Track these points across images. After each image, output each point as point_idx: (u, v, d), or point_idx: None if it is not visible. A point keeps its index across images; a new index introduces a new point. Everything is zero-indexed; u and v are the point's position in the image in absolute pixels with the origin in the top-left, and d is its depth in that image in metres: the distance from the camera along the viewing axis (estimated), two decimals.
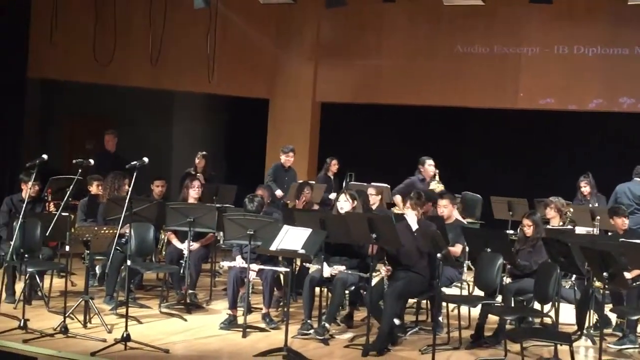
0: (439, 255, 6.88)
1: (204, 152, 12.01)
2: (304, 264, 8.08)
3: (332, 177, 11.93)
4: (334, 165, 12.14)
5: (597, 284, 7.22)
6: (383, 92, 14.09)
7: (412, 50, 14.12)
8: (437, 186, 10.15)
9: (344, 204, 7.86)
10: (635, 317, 7.57)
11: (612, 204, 9.51)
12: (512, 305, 7.51)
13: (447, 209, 8.45)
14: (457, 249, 8.09)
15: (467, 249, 8.22)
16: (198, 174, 11.41)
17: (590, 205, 10.04)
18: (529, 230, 7.95)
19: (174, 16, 13.32)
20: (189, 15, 12.77)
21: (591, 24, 13.19)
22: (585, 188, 10.61)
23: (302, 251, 6.83)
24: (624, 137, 12.55)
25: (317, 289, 7.80)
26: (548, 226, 8.73)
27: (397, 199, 9.64)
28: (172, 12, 13.23)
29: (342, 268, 7.69)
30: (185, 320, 8.17)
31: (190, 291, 8.64)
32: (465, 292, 8.65)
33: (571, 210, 9.69)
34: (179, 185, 10.19)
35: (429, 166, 10.59)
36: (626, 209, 8.90)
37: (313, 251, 6.99)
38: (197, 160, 11.95)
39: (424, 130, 13.94)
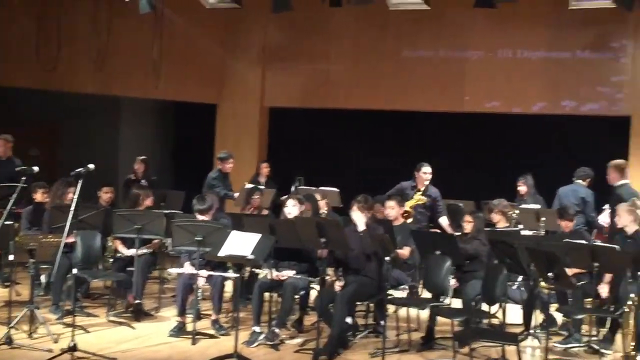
0: (387, 258, 6.94)
1: (144, 157, 11.86)
2: (253, 269, 8.03)
3: (262, 181, 11.70)
4: (264, 169, 12.03)
5: (543, 284, 7.28)
6: (331, 97, 14.12)
7: (360, 55, 14.18)
8: (419, 198, 9.85)
9: (292, 208, 7.87)
10: (580, 317, 7.68)
11: (557, 206, 9.58)
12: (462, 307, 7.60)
13: (394, 211, 8.43)
14: (405, 252, 8.09)
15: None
16: (142, 181, 11.23)
17: (524, 206, 10.10)
18: (468, 227, 8.04)
19: (120, 20, 13.18)
20: (134, 19, 12.59)
21: (534, 28, 13.38)
22: (521, 188, 10.74)
23: (251, 257, 6.79)
24: (566, 139, 12.70)
25: (267, 294, 7.80)
26: (495, 228, 8.78)
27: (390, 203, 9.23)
28: (117, 16, 13.08)
29: (292, 273, 7.71)
30: (134, 328, 8.07)
31: (137, 301, 8.49)
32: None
33: (516, 212, 9.79)
34: (123, 192, 10.00)
35: (423, 174, 10.00)
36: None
37: (262, 256, 6.98)
38: (136, 166, 11.78)
39: (373, 134, 13.99)
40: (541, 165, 11.70)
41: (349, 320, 7.34)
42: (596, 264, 7.23)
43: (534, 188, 10.83)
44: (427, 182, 9.97)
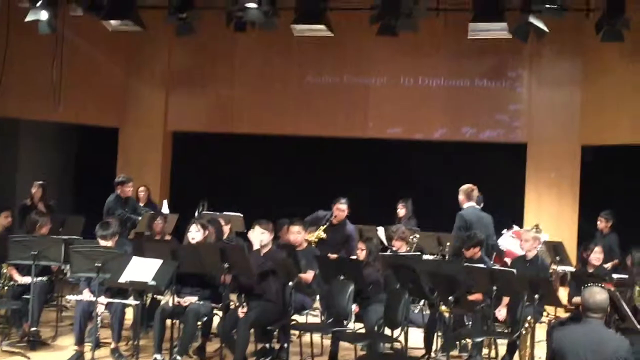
0: (290, 282, 7.04)
1: (41, 182, 11.53)
2: (154, 296, 7.88)
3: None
4: (141, 193, 11.84)
5: (444, 307, 7.42)
6: (236, 121, 14.05)
7: (265, 80, 14.18)
8: (318, 234, 9.59)
9: (196, 234, 7.76)
10: (480, 339, 7.73)
11: (458, 230, 9.41)
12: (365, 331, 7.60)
13: (300, 236, 8.40)
14: (308, 276, 8.05)
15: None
16: (39, 205, 10.92)
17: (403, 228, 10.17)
18: (361, 254, 8.05)
19: (18, 41, 12.76)
20: (33, 40, 12.20)
21: (435, 56, 13.64)
22: (400, 210, 11.14)
23: (153, 283, 6.74)
24: (466, 165, 12.92)
25: (169, 321, 7.62)
26: (397, 252, 8.87)
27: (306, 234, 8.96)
28: (15, 35, 12.64)
29: (194, 299, 7.58)
30: (29, 358, 7.83)
31: (33, 329, 8.21)
32: (317, 320, 8.66)
33: (417, 236, 9.89)
34: (19, 218, 9.71)
35: (336, 209, 9.64)
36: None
37: (164, 282, 6.90)
38: (33, 190, 11.45)
39: (278, 160, 13.96)
40: (442, 191, 11.74)
41: (267, 345, 7.40)
42: (495, 287, 7.31)
43: (411, 212, 11.14)
44: (341, 217, 9.73)
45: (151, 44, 14.10)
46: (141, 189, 12.05)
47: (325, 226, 9.42)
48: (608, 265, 9.43)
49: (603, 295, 4.97)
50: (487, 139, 13.32)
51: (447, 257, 9.55)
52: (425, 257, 9.29)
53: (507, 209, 11.91)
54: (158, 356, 7.38)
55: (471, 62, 13.38)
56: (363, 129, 13.62)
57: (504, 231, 9.91)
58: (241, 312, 7.36)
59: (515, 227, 11.17)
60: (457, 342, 8.21)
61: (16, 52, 12.85)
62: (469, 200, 9.45)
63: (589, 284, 5.41)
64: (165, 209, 10.81)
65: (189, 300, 7.55)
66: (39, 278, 8.32)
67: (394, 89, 13.68)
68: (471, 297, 7.69)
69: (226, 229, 9.40)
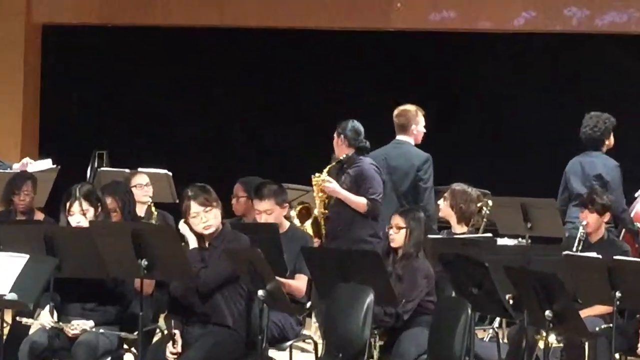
0: (260, 292, 5.19)
1: None
2: (17, 318, 5.98)
3: None
4: None
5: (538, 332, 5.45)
6: (161, 6, 10.44)
7: None
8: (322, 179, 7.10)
9: (80, 217, 5.71)
10: None
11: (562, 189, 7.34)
12: None
13: (273, 215, 6.20)
14: (299, 284, 6.00)
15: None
16: None
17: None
18: (396, 238, 6.06)
19: None
20: None
21: None
22: None
23: (12, 296, 5.21)
24: (567, 74, 9.72)
25: None
26: (450, 234, 6.71)
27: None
28: None
29: (89, 324, 5.61)
30: None
31: None
32: (310, 356, 6.74)
33: (489, 203, 7.27)
34: None
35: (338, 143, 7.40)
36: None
37: (33, 295, 5.32)
38: None
39: (231, 68, 10.34)
40: (530, 118, 9.07)
41: None
42: (617, 294, 5.40)
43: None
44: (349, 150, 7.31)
45: None
46: None
47: (329, 167, 6.97)
48: None
49: None
50: (607, 27, 9.82)
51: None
52: (502, 241, 6.89)
53: None
54: None
55: None
56: (386, 17, 10.12)
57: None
58: (171, 352, 5.49)
59: None
60: None
61: None
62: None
63: None
64: (31, 165, 8.19)
65: (80, 326, 5.59)
66: None
67: None
68: (587, 312, 5.86)
69: (140, 194, 7.06)
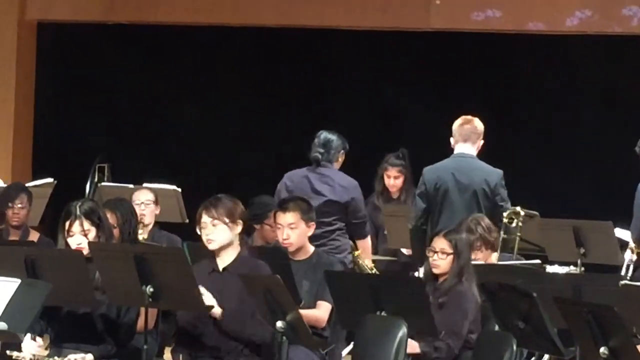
0: (279, 324, 4.84)
1: None
2: (5, 351, 5.27)
3: None
4: None
5: None
6: (164, 4, 10.05)
7: None
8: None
9: (81, 238, 5.25)
10: None
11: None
12: None
13: (296, 233, 5.70)
14: (319, 313, 5.52)
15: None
16: None
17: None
18: (441, 265, 5.55)
19: None
20: None
21: None
22: (392, 179, 7.60)
23: (2, 325, 4.79)
24: (626, 78, 9.11)
25: None
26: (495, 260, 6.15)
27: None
28: None
29: (89, 357, 5.09)
30: None
31: None
32: None
33: (520, 212, 6.84)
34: None
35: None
36: None
37: (24, 324, 4.88)
38: None
39: (245, 71, 9.90)
40: (583, 126, 8.57)
41: None
42: None
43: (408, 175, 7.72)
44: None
45: None
46: None
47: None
48: None
49: None
50: None
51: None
52: (551, 268, 6.46)
53: None
54: None
55: None
56: (424, 17, 9.52)
57: None
58: None
59: None
60: None
61: None
62: None
63: None
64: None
65: None
66: None
67: None
68: None
69: (149, 213, 6.79)
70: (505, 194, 6.33)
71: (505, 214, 6.40)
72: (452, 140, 6.41)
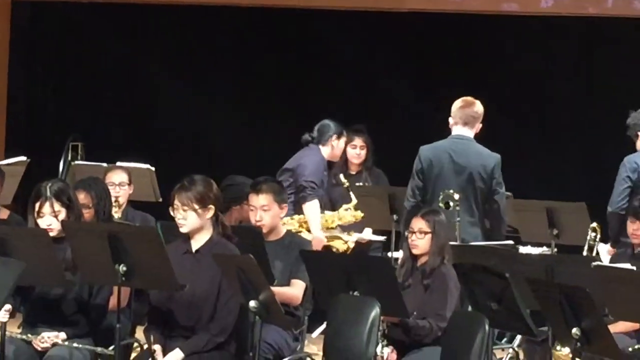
0: (252, 304, 4.78)
1: None
2: None
3: None
4: None
5: (563, 351, 5.00)
6: None
7: None
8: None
9: (51, 219, 5.12)
10: None
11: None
12: None
13: (269, 214, 5.61)
14: (293, 291, 5.45)
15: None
16: None
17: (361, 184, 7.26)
18: (419, 244, 5.52)
19: None
20: None
21: None
22: (353, 151, 7.42)
23: None
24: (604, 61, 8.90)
25: None
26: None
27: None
28: None
29: (62, 336, 5.11)
30: None
31: None
32: None
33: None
34: None
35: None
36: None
37: None
38: None
39: (229, 49, 9.63)
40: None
41: None
42: None
43: (371, 151, 7.57)
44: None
45: None
46: None
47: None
48: None
49: None
50: None
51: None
52: (524, 249, 6.45)
53: None
54: None
55: None
56: None
57: None
58: None
59: None
60: None
61: None
62: None
63: None
64: None
65: (51, 339, 5.09)
66: None
67: None
68: (620, 329, 5.51)
69: (124, 193, 6.50)
70: (500, 178, 6.24)
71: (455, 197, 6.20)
72: (450, 120, 6.28)
